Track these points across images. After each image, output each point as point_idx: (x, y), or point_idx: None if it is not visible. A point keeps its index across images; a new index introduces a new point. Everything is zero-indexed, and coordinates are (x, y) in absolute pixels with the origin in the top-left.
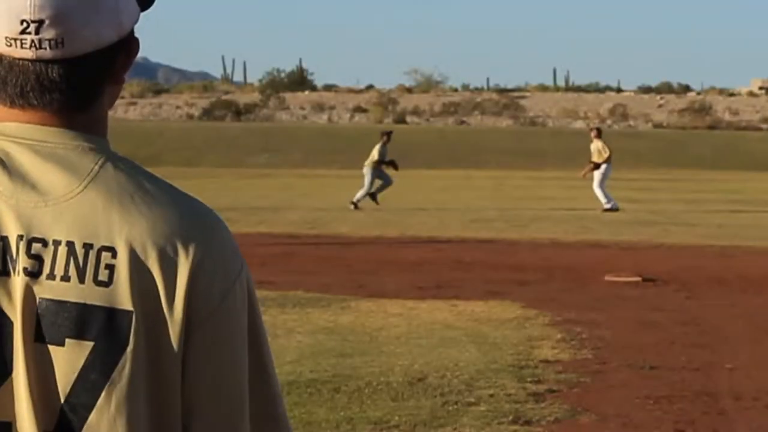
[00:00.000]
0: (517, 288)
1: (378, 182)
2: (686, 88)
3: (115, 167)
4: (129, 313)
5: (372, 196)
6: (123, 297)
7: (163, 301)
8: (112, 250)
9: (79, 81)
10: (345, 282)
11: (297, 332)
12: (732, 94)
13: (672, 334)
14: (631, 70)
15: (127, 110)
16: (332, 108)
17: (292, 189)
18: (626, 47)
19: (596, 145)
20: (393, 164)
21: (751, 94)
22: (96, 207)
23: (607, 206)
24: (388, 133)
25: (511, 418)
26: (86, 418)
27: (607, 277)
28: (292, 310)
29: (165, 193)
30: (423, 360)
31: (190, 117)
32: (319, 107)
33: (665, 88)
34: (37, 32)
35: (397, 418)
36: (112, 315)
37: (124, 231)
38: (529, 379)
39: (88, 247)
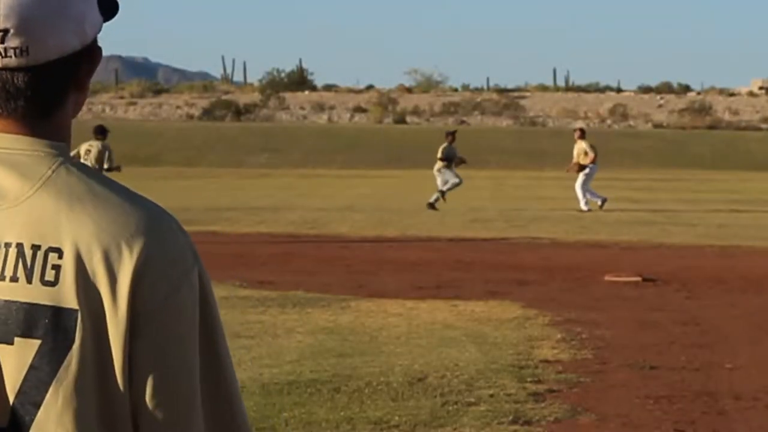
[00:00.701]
0: (517, 288)
1: (452, 181)
2: (686, 88)
3: (68, 171)
4: (75, 311)
5: (442, 193)
6: (69, 296)
7: (108, 300)
8: (59, 251)
9: (44, 88)
10: (345, 282)
11: (297, 332)
12: (732, 94)
13: (672, 334)
14: (631, 70)
15: (127, 110)
16: (332, 108)
17: (292, 189)
18: (626, 47)
19: (580, 146)
20: (461, 161)
21: (751, 94)
22: (46, 210)
23: (584, 208)
24: (453, 133)
25: (511, 418)
26: (35, 414)
27: (607, 277)
28: (292, 310)
29: (115, 195)
30: (423, 360)
31: (190, 117)
32: (319, 107)
33: (665, 88)
34: (2, 41)
35: (397, 418)
36: (58, 314)
37: (71, 232)
38: (529, 379)
39: (36, 248)
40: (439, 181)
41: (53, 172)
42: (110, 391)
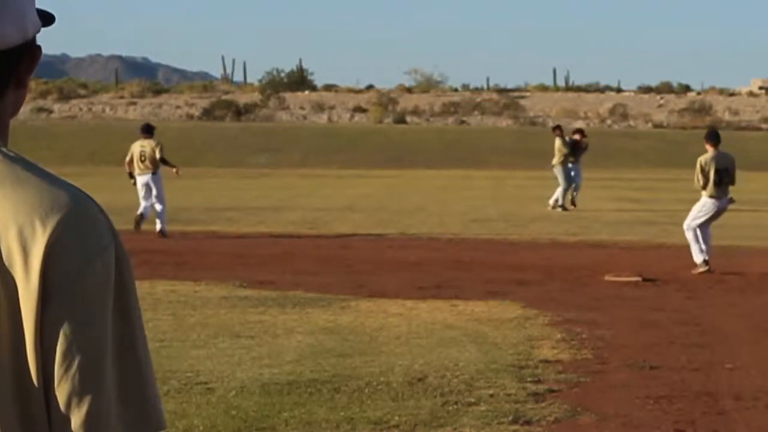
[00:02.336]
0: (517, 288)
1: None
2: (686, 88)
3: None
4: None
5: (563, 196)
6: None
7: (20, 274)
8: None
9: None
10: (345, 282)
11: (297, 332)
12: (732, 94)
13: (672, 334)
14: (631, 70)
15: (127, 110)
16: (332, 108)
17: (292, 189)
18: (626, 47)
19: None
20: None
21: (751, 94)
22: None
23: (556, 205)
24: (558, 127)
25: (511, 418)
26: None
27: (607, 277)
28: (292, 310)
29: (37, 178)
30: (423, 360)
31: (190, 117)
32: (319, 107)
33: (665, 88)
34: None
35: (397, 418)
36: None
37: None
38: (529, 379)
39: None
40: (561, 179)
41: None
42: (24, 365)
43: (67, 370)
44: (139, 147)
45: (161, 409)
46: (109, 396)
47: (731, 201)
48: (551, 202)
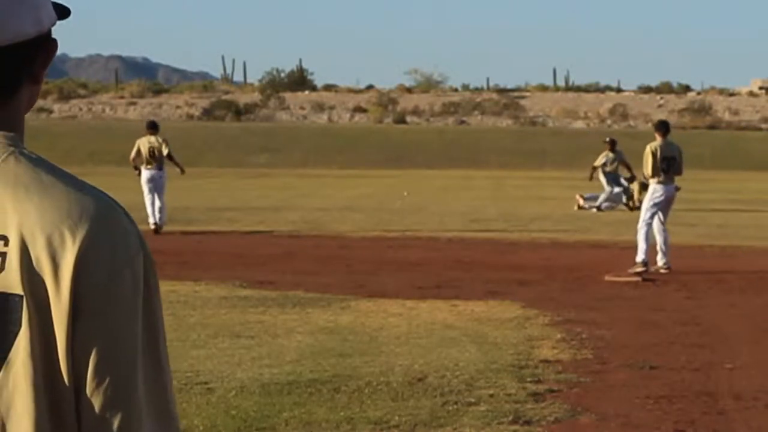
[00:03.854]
0: (517, 288)
1: (615, 189)
2: (686, 88)
3: (16, 161)
4: (20, 297)
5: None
6: (14, 282)
7: (51, 285)
8: (5, 239)
9: (1, 71)
10: (345, 282)
11: (297, 332)
12: (732, 94)
13: (672, 334)
14: (631, 70)
15: (127, 110)
16: (332, 108)
17: (292, 189)
18: (626, 47)
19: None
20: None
21: (751, 94)
22: None
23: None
24: (610, 141)
25: (511, 418)
26: None
27: (607, 277)
28: (292, 310)
29: (62, 183)
30: (423, 360)
31: (190, 117)
32: (319, 107)
33: (665, 88)
34: None
35: (397, 418)
36: (5, 299)
37: (15, 220)
38: (529, 379)
39: None
40: (604, 183)
41: (2, 161)
42: (56, 374)
43: (99, 384)
44: (148, 143)
45: (179, 424)
46: (140, 409)
47: (677, 189)
48: (596, 204)
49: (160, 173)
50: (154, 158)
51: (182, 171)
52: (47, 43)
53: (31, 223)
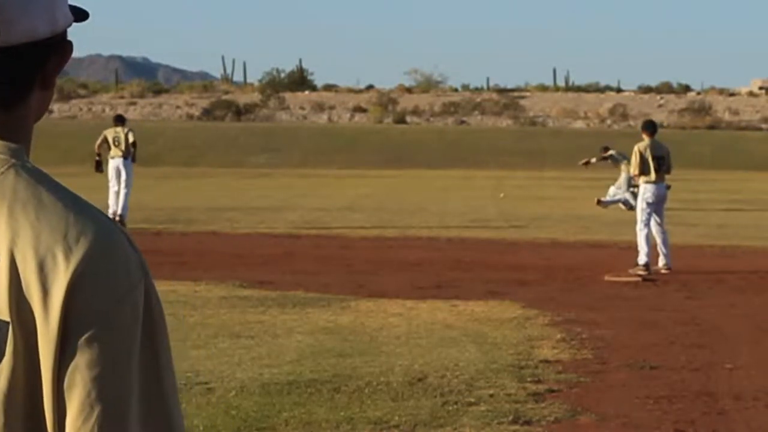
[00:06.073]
0: (517, 288)
1: (619, 192)
2: (686, 88)
3: (17, 175)
4: (6, 323)
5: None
6: (1, 307)
7: (39, 312)
8: None
9: (11, 73)
10: (345, 282)
11: (297, 332)
12: (732, 94)
13: (672, 334)
14: (631, 70)
15: (127, 110)
16: (332, 108)
17: (292, 189)
18: (626, 47)
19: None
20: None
21: (751, 94)
22: None
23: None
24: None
25: (511, 418)
26: None
27: (607, 277)
28: (292, 310)
29: (61, 203)
30: (423, 360)
31: (190, 117)
32: (319, 107)
33: (665, 88)
34: None
35: (397, 418)
36: None
37: (7, 239)
38: (529, 379)
39: None
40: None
41: (1, 175)
42: (39, 411)
43: (85, 422)
44: (113, 133)
45: None
46: None
47: (668, 187)
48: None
49: (125, 162)
50: (119, 147)
51: (133, 159)
52: (62, 45)
53: (25, 243)
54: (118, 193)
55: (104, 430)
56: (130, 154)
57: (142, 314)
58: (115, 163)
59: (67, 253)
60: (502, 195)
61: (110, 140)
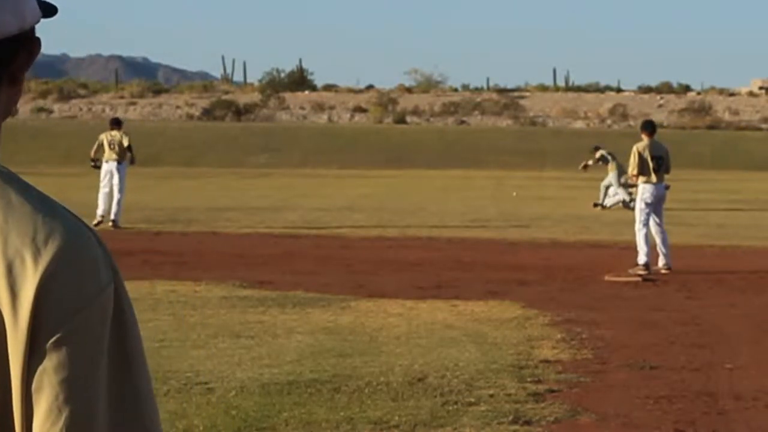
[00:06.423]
0: (517, 288)
1: (619, 191)
2: (686, 88)
3: None
4: None
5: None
6: None
7: (9, 316)
8: None
9: None
10: (345, 282)
11: (297, 332)
12: (732, 94)
13: (672, 334)
14: (631, 70)
15: (127, 110)
16: (332, 108)
17: (292, 189)
18: (626, 47)
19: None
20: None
21: (751, 94)
22: None
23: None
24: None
25: (511, 418)
26: None
27: (607, 277)
28: (292, 310)
29: (29, 205)
30: (423, 360)
31: (190, 117)
32: (319, 107)
33: (665, 88)
34: None
35: (397, 418)
36: None
37: None
38: (529, 379)
39: None
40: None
41: None
42: (8, 415)
43: (53, 425)
44: (109, 136)
45: None
46: None
47: (667, 187)
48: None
49: (119, 166)
50: (114, 150)
51: (133, 161)
52: (30, 41)
53: None
54: (108, 194)
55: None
56: (124, 159)
57: (111, 315)
58: (108, 166)
59: (36, 255)
60: (514, 194)
61: (106, 144)
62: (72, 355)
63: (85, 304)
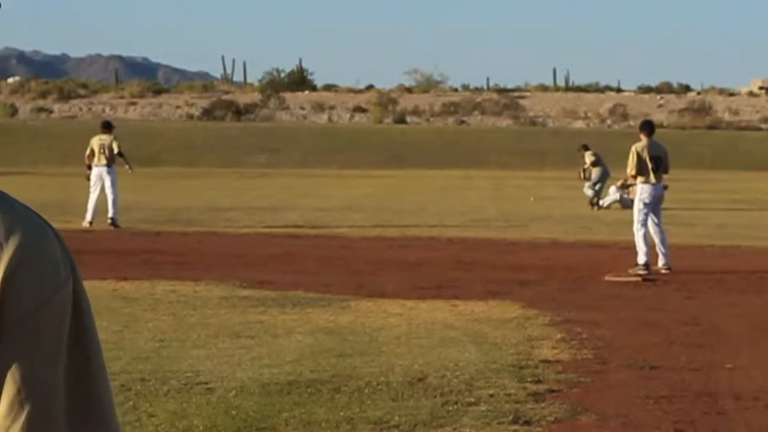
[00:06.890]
0: (517, 288)
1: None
2: (686, 88)
3: None
4: None
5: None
6: None
7: None
8: None
9: None
10: (345, 282)
11: (297, 332)
12: (732, 94)
13: (672, 334)
14: (631, 69)
15: (127, 110)
16: (332, 108)
17: (292, 189)
18: (626, 47)
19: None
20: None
21: (751, 94)
22: None
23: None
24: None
25: (511, 418)
26: None
27: (607, 277)
28: (292, 310)
29: None
30: (423, 360)
31: (190, 117)
32: (319, 107)
33: (665, 88)
34: None
35: (397, 418)
36: None
37: None
38: (529, 379)
39: None
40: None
41: None
42: None
43: (14, 421)
44: (99, 141)
45: None
46: None
47: (665, 188)
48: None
49: (108, 170)
50: (104, 155)
51: (131, 169)
52: None
53: None
54: (98, 199)
55: (32, 426)
56: (114, 163)
57: (70, 312)
58: (98, 171)
59: None
60: (532, 199)
61: (96, 148)
62: (32, 352)
63: (45, 301)
